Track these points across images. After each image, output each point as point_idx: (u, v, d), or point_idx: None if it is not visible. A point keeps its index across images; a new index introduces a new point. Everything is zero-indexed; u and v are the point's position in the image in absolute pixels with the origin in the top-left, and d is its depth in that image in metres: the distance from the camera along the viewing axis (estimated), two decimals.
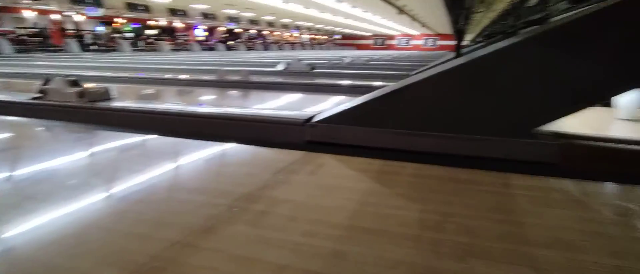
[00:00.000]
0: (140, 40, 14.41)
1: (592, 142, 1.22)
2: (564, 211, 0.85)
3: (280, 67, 4.49)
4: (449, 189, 0.96)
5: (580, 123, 1.61)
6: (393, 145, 1.28)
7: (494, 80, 1.24)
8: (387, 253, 0.67)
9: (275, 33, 19.23)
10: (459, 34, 1.91)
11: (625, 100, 1.79)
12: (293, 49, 17.87)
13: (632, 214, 0.87)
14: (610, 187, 1.03)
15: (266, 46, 17.92)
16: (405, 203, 0.88)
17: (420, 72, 2.97)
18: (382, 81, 3.11)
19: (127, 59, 7.41)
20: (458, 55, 1.73)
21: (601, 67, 1.15)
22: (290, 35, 19.98)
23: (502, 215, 0.82)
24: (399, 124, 1.29)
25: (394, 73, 4.06)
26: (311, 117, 1.44)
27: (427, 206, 0.86)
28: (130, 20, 15.17)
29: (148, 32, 16.00)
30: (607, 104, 1.89)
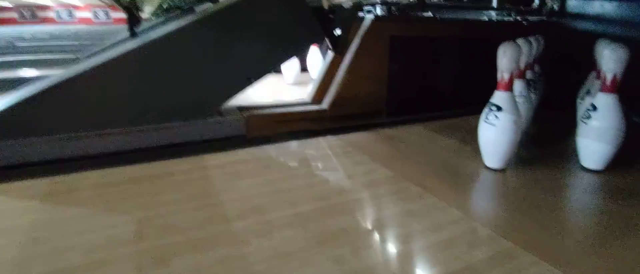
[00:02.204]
0: None
1: (270, 110, 1.50)
2: (253, 179, 1.02)
3: None
4: (145, 189, 0.94)
5: (262, 91, 1.96)
6: (64, 154, 1.11)
7: (174, 63, 1.29)
8: None
9: None
10: (128, 10, 1.81)
11: (289, 69, 2.31)
12: None
13: (303, 164, 1.15)
14: (287, 145, 1.31)
15: None
16: (91, 223, 0.80)
17: (90, 56, 2.68)
18: (40, 69, 2.60)
19: None
20: (132, 35, 1.66)
21: (265, 43, 1.41)
22: None
23: (202, 200, 0.89)
24: (68, 126, 1.13)
25: (57, 58, 3.47)
26: None
27: (120, 218, 0.81)
28: None
29: None
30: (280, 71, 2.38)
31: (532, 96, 1.41)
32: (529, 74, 1.39)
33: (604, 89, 1.08)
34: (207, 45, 1.30)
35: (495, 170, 1.09)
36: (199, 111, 1.31)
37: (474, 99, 1.24)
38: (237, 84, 1.37)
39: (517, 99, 1.21)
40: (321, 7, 1.38)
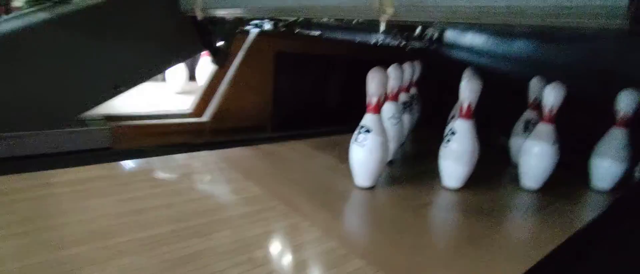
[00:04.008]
0: None
1: (143, 121, 1.40)
2: (106, 198, 0.93)
3: None
4: None
5: (142, 99, 1.84)
6: None
7: (24, 64, 1.13)
8: None
9: None
10: None
11: (175, 76, 2.21)
12: None
13: (168, 182, 1.09)
14: (156, 160, 1.23)
15: None
16: None
17: None
18: None
19: None
20: None
21: (138, 50, 1.32)
22: None
23: (35, 224, 0.79)
24: None
25: None
26: None
27: None
28: None
29: None
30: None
31: (406, 117, 1.52)
32: (403, 97, 1.50)
33: (461, 115, 1.20)
34: (66, 45, 1.18)
35: (365, 189, 1.15)
36: (55, 120, 1.18)
37: (359, 116, 1.29)
38: (102, 92, 1.26)
39: (389, 121, 1.30)
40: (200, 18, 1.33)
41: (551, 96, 1.24)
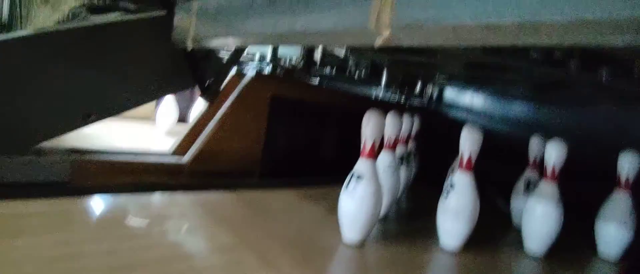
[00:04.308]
0: None
1: (111, 156, 1.24)
2: (41, 238, 0.76)
3: None
4: None
5: (127, 138, 1.71)
6: None
7: None
8: None
9: None
10: None
11: (165, 116, 2.09)
12: None
13: (123, 223, 0.90)
14: (118, 198, 1.05)
15: None
16: None
17: None
18: None
19: None
20: None
21: (119, 78, 1.20)
22: None
23: None
24: None
25: None
26: None
27: None
28: None
29: None
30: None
31: (403, 171, 1.38)
32: (400, 148, 1.37)
33: (461, 168, 1.07)
34: (33, 66, 1.05)
35: (354, 244, 0.98)
36: (9, 146, 1.03)
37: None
38: (71, 119, 1.12)
39: (385, 170, 1.16)
40: (191, 51, 1.23)
41: (553, 152, 1.13)
